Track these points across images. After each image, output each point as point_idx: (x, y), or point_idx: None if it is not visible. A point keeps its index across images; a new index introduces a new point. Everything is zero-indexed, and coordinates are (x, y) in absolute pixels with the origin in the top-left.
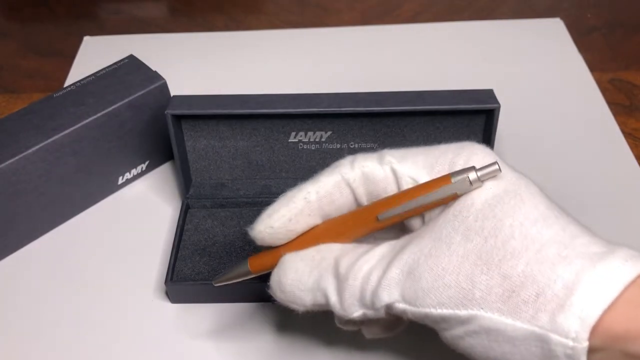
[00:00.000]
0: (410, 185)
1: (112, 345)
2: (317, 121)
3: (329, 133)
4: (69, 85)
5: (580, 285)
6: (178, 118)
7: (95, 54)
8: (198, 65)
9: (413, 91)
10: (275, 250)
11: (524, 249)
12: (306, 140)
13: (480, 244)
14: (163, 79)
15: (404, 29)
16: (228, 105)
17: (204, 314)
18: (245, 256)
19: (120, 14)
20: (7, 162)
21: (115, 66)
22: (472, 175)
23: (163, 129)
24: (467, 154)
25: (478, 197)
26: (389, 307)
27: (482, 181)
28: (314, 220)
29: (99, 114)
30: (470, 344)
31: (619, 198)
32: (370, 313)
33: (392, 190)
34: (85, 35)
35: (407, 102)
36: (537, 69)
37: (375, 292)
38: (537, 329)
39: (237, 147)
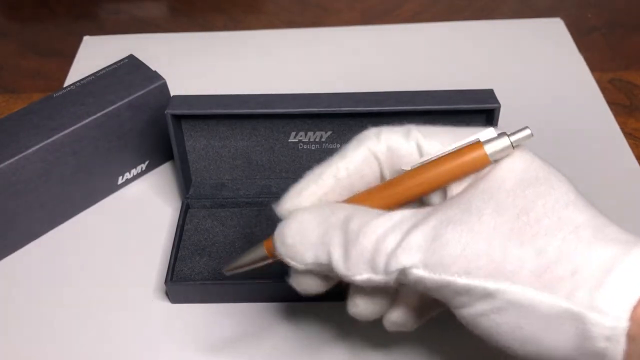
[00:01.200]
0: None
1: (112, 345)
2: (317, 121)
3: (329, 133)
4: (69, 85)
5: (619, 266)
6: (178, 118)
7: (95, 54)
8: (198, 65)
9: (413, 91)
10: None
11: (558, 228)
12: (306, 140)
13: (512, 219)
14: (163, 78)
15: (404, 28)
16: (228, 105)
17: (204, 314)
18: None
19: (120, 14)
20: (6, 162)
21: (115, 66)
22: (505, 141)
23: (163, 129)
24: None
25: (509, 177)
26: (402, 273)
27: (515, 147)
28: (343, 197)
29: (98, 114)
30: (495, 322)
31: (619, 198)
32: (377, 278)
33: (412, 162)
34: (85, 35)
35: (407, 102)
36: (537, 69)
37: (391, 255)
38: (573, 307)
39: (237, 147)
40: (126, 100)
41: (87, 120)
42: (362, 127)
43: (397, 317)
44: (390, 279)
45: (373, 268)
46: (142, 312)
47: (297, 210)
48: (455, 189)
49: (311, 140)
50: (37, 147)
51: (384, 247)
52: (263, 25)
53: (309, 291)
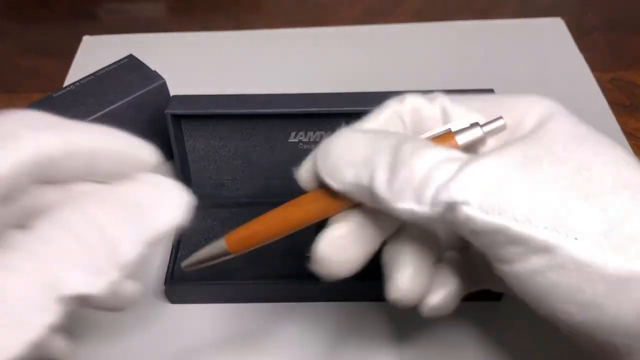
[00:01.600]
0: (459, 127)
1: (112, 346)
2: (317, 121)
3: (329, 133)
4: (69, 85)
5: None
6: (178, 118)
7: (94, 54)
8: (198, 64)
9: (413, 91)
10: (257, 225)
11: (623, 187)
12: (306, 140)
13: (573, 173)
14: (162, 78)
15: (404, 28)
16: (228, 105)
17: (204, 314)
18: (246, 258)
19: (119, 13)
20: None
21: (115, 66)
22: (477, 132)
23: (162, 129)
24: (526, 106)
25: (560, 132)
26: (450, 209)
27: (487, 139)
28: None
29: (98, 114)
30: (552, 281)
31: None
32: (420, 210)
33: (436, 129)
34: (85, 35)
35: None
36: (538, 69)
37: (442, 186)
38: None
39: (236, 147)
40: (126, 100)
41: (86, 120)
42: None
43: (441, 296)
44: (435, 213)
45: (419, 198)
46: (142, 312)
47: (345, 129)
48: (490, 144)
49: (311, 140)
50: None
51: (436, 176)
52: (263, 25)
53: (335, 268)
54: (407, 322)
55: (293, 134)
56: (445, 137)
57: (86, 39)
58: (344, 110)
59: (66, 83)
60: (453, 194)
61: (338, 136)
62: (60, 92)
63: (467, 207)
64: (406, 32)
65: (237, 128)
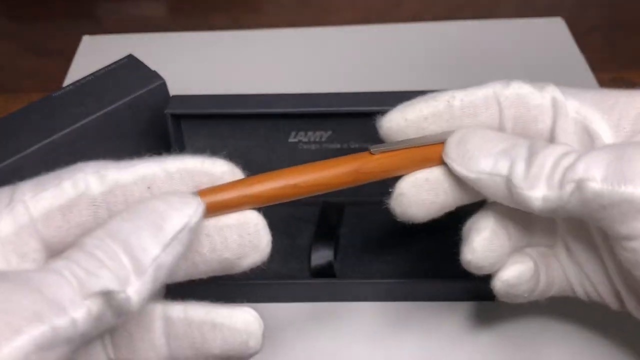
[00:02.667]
0: (572, 122)
1: None
2: (317, 121)
3: (329, 133)
4: (68, 85)
5: None
6: (177, 118)
7: (94, 54)
8: (197, 64)
9: (414, 91)
10: (241, 185)
11: None
12: (306, 140)
13: None
14: (162, 78)
15: (405, 28)
16: (228, 105)
17: None
18: None
19: (119, 13)
20: (5, 162)
21: (114, 66)
22: None
23: (162, 129)
24: None
25: None
26: (580, 186)
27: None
28: (447, 129)
29: (98, 114)
30: None
31: None
32: (552, 195)
33: (543, 121)
34: (84, 34)
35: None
36: (538, 68)
37: (569, 167)
38: None
39: (236, 147)
40: (125, 100)
41: (86, 120)
42: (362, 127)
43: (515, 272)
44: (565, 194)
45: (549, 184)
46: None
47: (479, 126)
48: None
49: (311, 140)
50: (36, 147)
51: (564, 161)
52: (263, 25)
53: (410, 209)
54: (405, 321)
55: (293, 134)
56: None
57: (86, 39)
58: (344, 110)
59: (65, 83)
60: (578, 171)
61: (474, 129)
62: (59, 92)
63: (594, 182)
64: (406, 32)
65: (237, 128)
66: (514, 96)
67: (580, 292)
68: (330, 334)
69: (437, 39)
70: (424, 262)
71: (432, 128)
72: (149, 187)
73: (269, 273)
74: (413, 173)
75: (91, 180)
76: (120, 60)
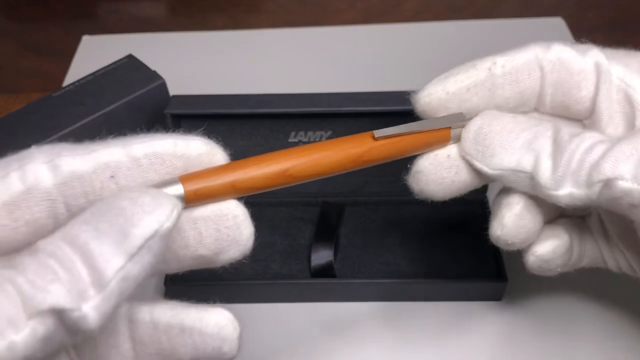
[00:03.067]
0: (615, 90)
1: None
2: (317, 121)
3: (329, 133)
4: (68, 85)
5: None
6: (177, 118)
7: (94, 54)
8: (197, 64)
9: (414, 91)
10: (224, 171)
11: None
12: (306, 140)
13: None
14: (162, 78)
15: (405, 27)
16: (228, 105)
17: None
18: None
19: (119, 13)
20: None
21: (114, 66)
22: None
23: (162, 129)
24: None
25: None
26: (608, 185)
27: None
28: (489, 100)
29: (97, 114)
30: None
31: None
32: (579, 193)
33: (586, 87)
34: (84, 34)
35: (408, 101)
36: None
37: (597, 165)
38: None
39: (236, 147)
40: (125, 100)
41: (86, 120)
42: (362, 127)
43: (550, 246)
44: (593, 193)
45: (576, 182)
46: None
47: (493, 112)
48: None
49: (311, 140)
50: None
51: (590, 158)
52: (263, 25)
53: (434, 190)
54: (405, 321)
55: (293, 134)
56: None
57: (86, 39)
58: (344, 110)
59: (65, 83)
60: (606, 170)
61: (491, 117)
62: (59, 92)
63: (623, 181)
64: (406, 32)
65: (237, 128)
66: (556, 60)
67: (612, 264)
68: (330, 334)
69: (437, 39)
70: (424, 262)
71: (475, 100)
72: (112, 177)
73: (269, 273)
74: (433, 151)
75: (42, 170)
76: (120, 60)
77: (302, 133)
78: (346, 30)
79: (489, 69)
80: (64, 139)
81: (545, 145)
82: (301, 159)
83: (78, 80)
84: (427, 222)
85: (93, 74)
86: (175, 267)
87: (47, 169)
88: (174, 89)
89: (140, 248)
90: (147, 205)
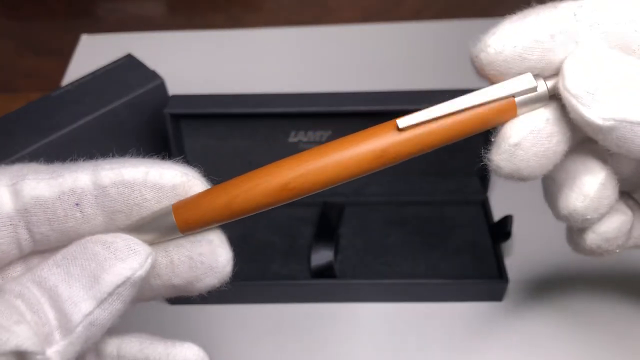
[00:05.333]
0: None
1: None
2: (317, 120)
3: (329, 132)
4: (67, 85)
5: None
6: (177, 117)
7: (92, 53)
8: (197, 64)
9: (414, 90)
10: (215, 196)
11: None
12: (306, 139)
13: None
14: (161, 78)
15: (405, 27)
16: (227, 105)
17: (203, 316)
18: (246, 258)
19: (118, 12)
20: (4, 162)
21: (113, 65)
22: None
23: (161, 129)
24: None
25: None
26: None
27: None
28: (556, 58)
29: (96, 114)
30: None
31: None
32: None
33: None
34: (83, 33)
35: (408, 101)
36: None
37: None
38: None
39: (236, 147)
40: (124, 99)
41: (85, 120)
42: (362, 127)
43: (616, 223)
44: None
45: None
46: (141, 313)
47: (593, 46)
48: None
49: (311, 140)
50: (35, 147)
51: None
52: (263, 24)
53: (533, 168)
54: (405, 322)
55: (293, 133)
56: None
57: (84, 38)
58: (344, 109)
59: (64, 82)
60: None
61: (600, 50)
62: (58, 92)
63: None
64: (406, 31)
65: (237, 128)
66: None
67: None
68: (330, 334)
69: (437, 38)
70: (424, 262)
71: (559, 52)
72: (77, 204)
73: (269, 273)
74: (524, 115)
75: (3, 194)
76: (119, 59)
77: (302, 133)
78: (346, 29)
79: (574, 14)
80: (63, 138)
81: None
82: (305, 166)
83: (77, 80)
84: (427, 222)
85: (92, 73)
86: (148, 296)
87: (9, 192)
88: (173, 89)
89: (110, 294)
90: (120, 251)
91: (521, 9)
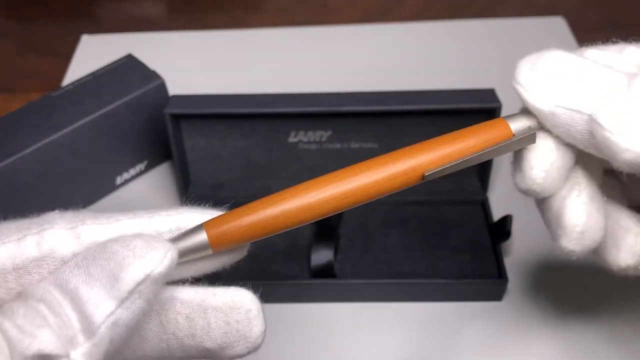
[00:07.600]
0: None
1: None
2: (317, 121)
3: (329, 133)
4: (67, 85)
5: None
6: (177, 117)
7: (93, 53)
8: (197, 64)
9: (414, 90)
10: (249, 211)
11: None
12: (306, 140)
13: None
14: (161, 78)
15: (405, 27)
16: (227, 105)
17: None
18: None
19: (118, 12)
20: (4, 162)
21: (114, 65)
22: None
23: (161, 129)
24: None
25: None
26: None
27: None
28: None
29: (97, 114)
30: None
31: None
32: None
33: None
34: (83, 34)
35: (408, 101)
36: None
37: None
38: None
39: (236, 147)
40: (124, 99)
41: (85, 120)
42: (362, 127)
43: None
44: None
45: None
46: None
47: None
48: None
49: (311, 140)
50: (35, 147)
51: None
52: (263, 24)
53: (550, 185)
54: (405, 322)
55: (293, 133)
56: (499, 129)
57: (85, 38)
58: (344, 110)
59: (65, 83)
60: None
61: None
62: (58, 92)
63: None
64: (406, 31)
65: (237, 128)
66: None
67: None
68: (330, 334)
69: (437, 38)
70: (424, 262)
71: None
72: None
73: (269, 273)
74: (538, 154)
75: (64, 237)
76: (120, 59)
77: (302, 133)
78: (346, 29)
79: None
80: (63, 138)
81: (618, 81)
82: (344, 185)
83: (77, 80)
84: (427, 222)
85: (92, 73)
86: (177, 356)
87: (70, 235)
88: (173, 89)
89: (131, 293)
90: (139, 249)
91: (521, 9)
